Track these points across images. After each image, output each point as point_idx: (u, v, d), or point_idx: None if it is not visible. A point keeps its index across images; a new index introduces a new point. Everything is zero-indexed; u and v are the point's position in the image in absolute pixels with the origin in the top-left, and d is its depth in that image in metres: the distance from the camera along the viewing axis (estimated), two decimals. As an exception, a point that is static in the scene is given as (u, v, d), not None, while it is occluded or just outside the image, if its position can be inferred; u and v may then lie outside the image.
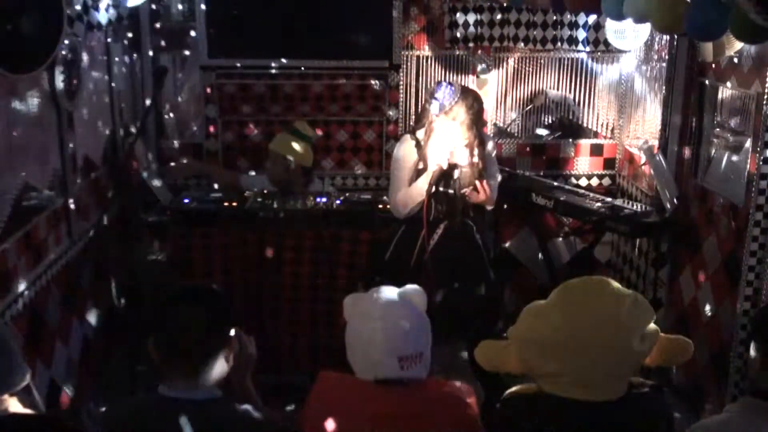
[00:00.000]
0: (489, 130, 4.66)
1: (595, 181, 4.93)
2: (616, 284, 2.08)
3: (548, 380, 2.03)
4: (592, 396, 1.98)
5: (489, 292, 3.86)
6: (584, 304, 2.02)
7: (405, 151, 3.77)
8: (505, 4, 4.47)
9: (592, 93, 4.80)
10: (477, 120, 3.72)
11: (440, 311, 3.53)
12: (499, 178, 3.95)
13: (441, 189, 3.68)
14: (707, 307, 3.72)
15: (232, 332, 2.12)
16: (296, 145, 4.15)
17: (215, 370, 2.05)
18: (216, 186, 4.40)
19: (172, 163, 4.58)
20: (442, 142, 3.65)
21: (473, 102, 3.68)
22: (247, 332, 2.28)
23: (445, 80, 4.44)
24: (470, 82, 4.67)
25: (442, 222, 3.74)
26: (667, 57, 4.10)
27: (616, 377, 2.00)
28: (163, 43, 4.51)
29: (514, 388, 2.16)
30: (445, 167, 3.63)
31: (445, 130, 3.65)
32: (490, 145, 3.87)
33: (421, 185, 3.67)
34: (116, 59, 4.10)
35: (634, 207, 4.20)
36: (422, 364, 2.18)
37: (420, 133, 3.75)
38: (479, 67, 4.63)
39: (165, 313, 2.06)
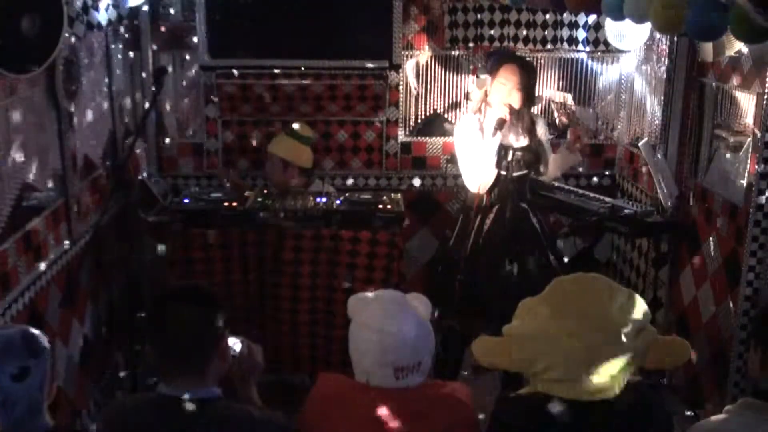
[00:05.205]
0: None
1: (595, 181, 4.93)
2: (609, 281, 2.07)
3: (541, 379, 2.01)
4: (586, 395, 1.97)
5: (546, 274, 3.71)
6: (573, 298, 2.00)
7: (466, 124, 3.91)
8: (506, 4, 4.47)
9: (592, 93, 4.81)
10: (527, 83, 3.86)
11: (493, 293, 3.55)
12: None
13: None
14: (707, 307, 3.72)
15: (233, 340, 2.14)
16: (294, 147, 4.14)
17: (212, 368, 2.06)
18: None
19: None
20: (497, 99, 3.83)
21: (522, 65, 3.89)
22: (248, 335, 2.28)
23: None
24: (470, 81, 4.67)
25: (495, 206, 3.83)
26: (667, 57, 4.10)
27: (610, 375, 1.97)
28: (163, 43, 4.51)
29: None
30: (506, 118, 3.76)
31: (498, 90, 3.83)
32: (541, 128, 4.00)
33: (489, 152, 3.76)
34: (116, 59, 4.10)
35: (634, 207, 4.20)
36: (420, 371, 2.15)
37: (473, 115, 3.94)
38: (480, 69, 4.61)
39: (158, 314, 2.08)
